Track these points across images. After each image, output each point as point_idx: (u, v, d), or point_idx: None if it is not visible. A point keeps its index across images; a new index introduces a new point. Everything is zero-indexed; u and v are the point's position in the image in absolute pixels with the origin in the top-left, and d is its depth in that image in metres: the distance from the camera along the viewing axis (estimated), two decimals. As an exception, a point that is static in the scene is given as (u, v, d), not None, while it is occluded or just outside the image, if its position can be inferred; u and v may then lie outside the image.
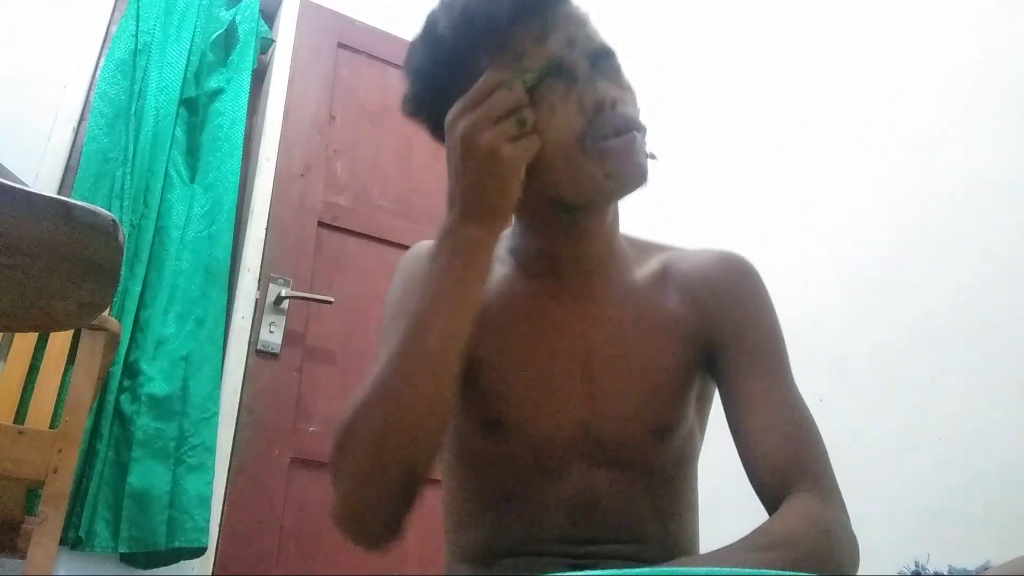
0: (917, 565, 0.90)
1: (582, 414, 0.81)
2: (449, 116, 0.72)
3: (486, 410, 0.82)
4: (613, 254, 0.86)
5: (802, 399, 0.81)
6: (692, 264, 0.89)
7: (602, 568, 0.75)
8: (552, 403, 0.81)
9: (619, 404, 0.81)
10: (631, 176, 0.75)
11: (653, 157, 0.78)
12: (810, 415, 0.79)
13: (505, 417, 0.81)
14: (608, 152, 0.73)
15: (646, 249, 0.91)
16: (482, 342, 0.81)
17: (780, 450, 0.76)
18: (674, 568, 0.46)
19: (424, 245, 0.90)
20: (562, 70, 0.74)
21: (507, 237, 0.90)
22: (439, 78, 0.79)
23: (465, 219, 0.72)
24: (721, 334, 0.84)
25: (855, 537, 0.71)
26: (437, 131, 0.81)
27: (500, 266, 0.88)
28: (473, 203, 0.71)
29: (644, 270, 0.89)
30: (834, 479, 0.76)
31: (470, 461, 0.87)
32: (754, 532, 0.68)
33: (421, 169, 2.62)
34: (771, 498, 0.74)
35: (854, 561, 0.69)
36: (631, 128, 0.75)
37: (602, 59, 0.77)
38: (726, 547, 0.64)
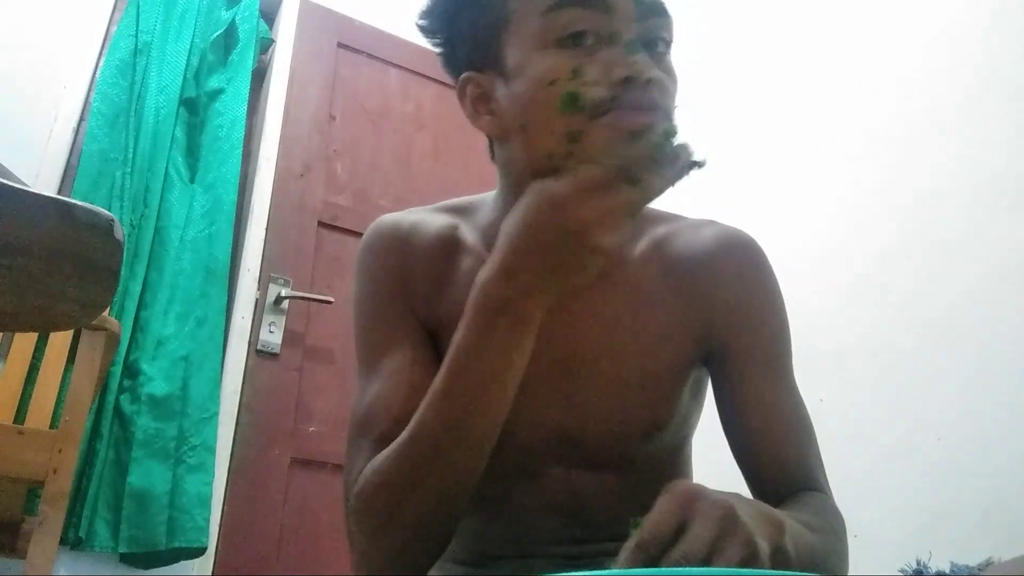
0: (919, 563, 0.90)
1: (561, 419, 0.76)
2: (557, 193, 0.59)
3: None
4: None
5: (802, 399, 0.80)
6: (690, 245, 0.81)
7: (597, 568, 0.74)
8: (527, 409, 0.75)
9: (603, 406, 0.76)
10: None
11: (699, 165, 0.66)
12: (809, 417, 0.79)
13: None
14: (620, 126, 0.65)
15: (637, 221, 0.82)
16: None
17: (786, 460, 0.76)
18: (674, 569, 0.46)
19: (383, 226, 0.84)
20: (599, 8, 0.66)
21: (481, 211, 0.83)
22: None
23: (530, 294, 0.62)
24: (721, 332, 0.79)
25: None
26: (448, 57, 0.76)
27: (472, 251, 0.81)
28: (545, 283, 0.62)
29: (634, 251, 0.80)
30: (828, 483, 0.78)
31: None
32: (799, 508, 0.69)
33: (421, 169, 2.62)
34: (771, 498, 0.74)
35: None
36: (659, 118, 0.66)
37: (653, 16, 0.69)
38: (783, 511, 0.62)
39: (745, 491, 0.78)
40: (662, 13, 0.69)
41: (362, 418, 0.76)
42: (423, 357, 0.78)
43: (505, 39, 0.71)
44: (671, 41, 0.71)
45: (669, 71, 0.70)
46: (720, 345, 0.79)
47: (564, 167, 0.64)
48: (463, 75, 0.75)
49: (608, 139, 0.65)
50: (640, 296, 0.79)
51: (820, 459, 0.78)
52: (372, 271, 0.83)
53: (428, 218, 0.85)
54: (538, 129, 0.68)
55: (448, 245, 0.82)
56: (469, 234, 0.82)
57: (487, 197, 0.85)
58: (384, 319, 0.81)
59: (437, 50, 0.79)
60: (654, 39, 0.69)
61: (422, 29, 0.78)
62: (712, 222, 0.85)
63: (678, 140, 0.67)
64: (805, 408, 0.79)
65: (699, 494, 0.50)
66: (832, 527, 0.70)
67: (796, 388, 0.80)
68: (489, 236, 0.80)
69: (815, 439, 0.78)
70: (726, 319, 0.79)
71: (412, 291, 0.81)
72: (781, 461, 0.76)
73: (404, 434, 0.69)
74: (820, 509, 0.71)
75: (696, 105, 2.45)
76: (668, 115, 0.68)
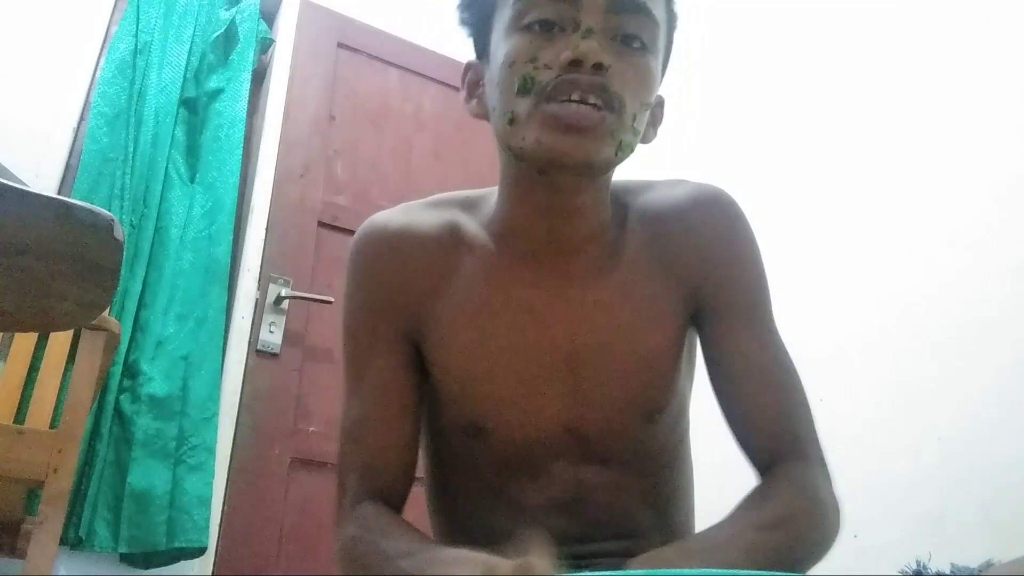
0: (919, 564, 0.90)
1: (566, 412, 0.77)
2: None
3: (466, 415, 0.79)
4: (595, 229, 0.79)
5: (787, 354, 0.79)
6: (666, 206, 0.82)
7: (599, 568, 0.75)
8: (535, 404, 0.77)
9: (607, 395, 0.77)
10: (571, 152, 0.67)
11: (623, 148, 0.70)
12: (796, 374, 0.78)
13: (486, 422, 0.78)
14: (546, 117, 0.67)
15: (622, 199, 0.83)
16: (460, 342, 0.78)
17: (769, 418, 0.75)
18: (675, 570, 0.46)
19: (377, 227, 0.83)
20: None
21: (486, 203, 0.83)
22: None
23: None
24: (704, 287, 0.79)
25: (838, 503, 0.73)
26: (477, 42, 0.80)
27: (477, 246, 0.80)
28: None
29: (625, 233, 0.80)
30: (819, 445, 0.76)
31: (453, 463, 0.84)
32: (750, 507, 0.68)
33: (421, 169, 2.62)
34: (760, 463, 0.75)
35: (838, 527, 0.71)
36: (600, 104, 0.67)
37: (627, 12, 0.69)
38: (726, 522, 0.65)
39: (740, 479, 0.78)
40: (638, 11, 0.70)
41: (346, 440, 0.82)
42: (402, 373, 0.80)
43: (492, 27, 0.75)
44: (650, 42, 0.71)
45: (638, 67, 0.70)
46: (703, 300, 0.80)
47: (513, 150, 0.69)
48: (466, 62, 0.81)
49: (540, 128, 0.67)
50: (635, 279, 0.79)
51: (807, 416, 0.77)
52: (358, 282, 0.82)
53: (421, 216, 0.83)
54: (499, 111, 0.72)
55: (445, 243, 0.81)
56: (472, 228, 0.82)
57: (491, 190, 0.84)
58: (367, 334, 0.81)
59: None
60: (629, 35, 0.70)
61: (461, 23, 0.82)
62: (684, 181, 0.86)
63: (628, 146, 0.70)
64: (790, 360, 0.79)
65: None
66: (798, 510, 0.68)
67: (779, 340, 0.80)
68: (493, 230, 0.80)
69: (801, 391, 0.78)
70: (706, 274, 0.80)
71: (402, 297, 0.80)
72: (764, 423, 0.75)
73: (396, 550, 0.69)
74: (786, 493, 0.70)
75: (697, 106, 2.45)
76: (619, 105, 0.68)
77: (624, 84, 0.69)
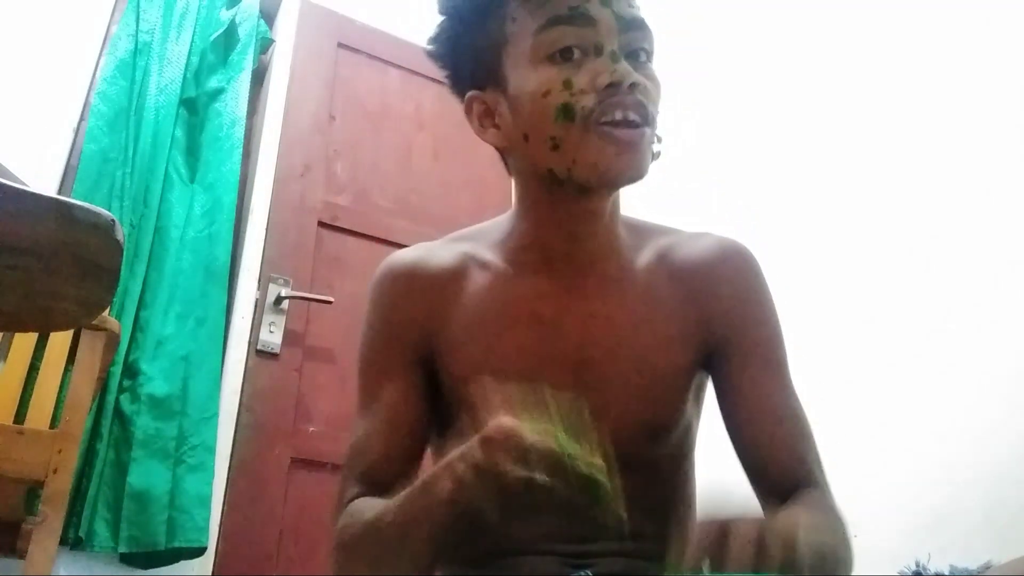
0: (918, 565, 0.90)
1: None
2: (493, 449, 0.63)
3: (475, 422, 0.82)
4: (611, 246, 0.84)
5: (797, 397, 0.83)
6: (691, 253, 0.87)
7: (599, 567, 0.77)
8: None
9: (613, 408, 0.79)
10: (626, 170, 0.74)
11: (655, 156, 0.77)
12: (805, 413, 0.82)
13: None
14: (610, 139, 0.72)
15: (642, 233, 0.89)
16: (470, 350, 0.80)
17: (784, 453, 0.78)
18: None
19: (394, 261, 0.89)
20: (587, 23, 0.73)
21: (495, 230, 0.88)
22: (466, 21, 0.80)
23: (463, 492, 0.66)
24: (721, 332, 0.83)
25: None
26: (454, 79, 0.84)
27: (489, 266, 0.85)
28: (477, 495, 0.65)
29: (641, 260, 0.86)
30: (827, 478, 0.80)
31: None
32: (805, 508, 0.71)
33: (421, 169, 2.62)
34: (775, 492, 0.77)
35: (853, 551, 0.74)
36: (643, 123, 0.73)
37: (633, 30, 0.76)
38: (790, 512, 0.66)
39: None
40: (641, 27, 0.77)
41: (351, 452, 0.83)
42: (411, 397, 0.83)
43: (504, 59, 0.78)
44: (652, 52, 0.79)
45: (652, 78, 0.77)
46: (720, 345, 0.83)
47: (558, 172, 0.74)
48: (468, 94, 0.82)
49: (595, 151, 0.73)
50: (648, 301, 0.83)
51: (819, 455, 0.80)
52: (373, 311, 0.88)
53: (435, 250, 0.89)
54: (537, 138, 0.75)
55: (456, 271, 0.86)
56: (485, 252, 0.87)
57: (499, 218, 0.90)
58: (381, 359, 0.85)
59: (444, 73, 0.86)
60: (636, 50, 0.77)
61: (431, 55, 0.85)
62: (708, 233, 0.90)
63: (660, 147, 0.77)
64: (802, 407, 0.82)
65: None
66: (831, 522, 0.71)
67: (793, 387, 0.83)
68: (507, 249, 0.85)
69: (812, 435, 0.81)
70: (726, 320, 0.83)
71: (415, 320, 0.84)
72: (780, 456, 0.78)
73: (387, 505, 0.71)
74: (817, 509, 0.73)
75: (690, 99, 2.45)
76: (652, 119, 0.75)
77: (650, 98, 0.76)
